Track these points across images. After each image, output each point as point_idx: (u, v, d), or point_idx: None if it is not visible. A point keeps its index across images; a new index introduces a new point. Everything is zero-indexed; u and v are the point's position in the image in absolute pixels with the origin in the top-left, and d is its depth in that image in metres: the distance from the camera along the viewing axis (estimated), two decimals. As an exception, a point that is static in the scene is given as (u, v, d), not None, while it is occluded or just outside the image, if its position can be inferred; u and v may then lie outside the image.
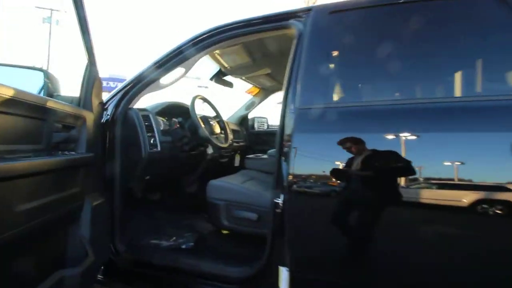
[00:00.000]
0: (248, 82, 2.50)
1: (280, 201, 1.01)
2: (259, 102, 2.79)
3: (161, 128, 1.62)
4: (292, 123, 0.99)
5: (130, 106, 1.40)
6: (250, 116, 2.93)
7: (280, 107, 1.10)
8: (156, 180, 1.63)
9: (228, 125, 1.88)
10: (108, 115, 1.30)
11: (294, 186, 0.93)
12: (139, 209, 1.57)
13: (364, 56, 1.06)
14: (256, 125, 3.13)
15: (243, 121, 2.86)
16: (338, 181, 0.92)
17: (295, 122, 0.98)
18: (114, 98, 1.35)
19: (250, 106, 2.80)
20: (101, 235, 1.15)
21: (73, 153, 0.98)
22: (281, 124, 1.08)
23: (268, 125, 3.31)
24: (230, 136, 1.85)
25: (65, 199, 0.94)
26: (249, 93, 2.78)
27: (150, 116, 1.47)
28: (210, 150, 1.91)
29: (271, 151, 1.89)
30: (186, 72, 1.44)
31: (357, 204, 0.95)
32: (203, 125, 1.51)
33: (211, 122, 1.67)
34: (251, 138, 2.86)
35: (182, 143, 1.60)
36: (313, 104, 1.00)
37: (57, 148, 0.95)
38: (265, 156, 1.91)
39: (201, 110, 1.66)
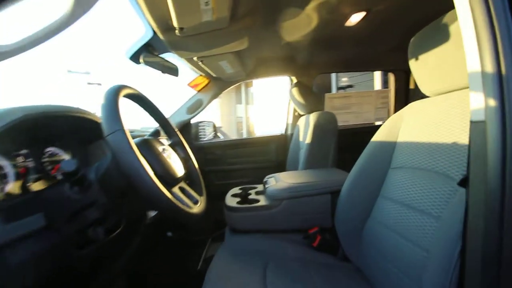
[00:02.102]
0: (195, 69, 1.52)
1: None
2: (209, 102, 1.84)
3: None
4: None
5: None
6: (192, 121, 1.94)
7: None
8: None
9: (190, 152, 0.90)
10: None
11: None
12: None
13: None
14: (200, 134, 2.17)
15: (184, 129, 1.85)
16: None
17: None
18: None
19: (196, 107, 1.82)
20: None
21: None
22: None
23: (216, 132, 2.40)
24: (201, 180, 0.86)
25: None
26: (192, 86, 1.80)
27: None
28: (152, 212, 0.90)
29: (274, 188, 1.02)
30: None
31: None
32: (148, 169, 0.53)
33: (158, 148, 0.67)
34: (199, 154, 1.89)
35: (80, 227, 0.56)
36: None
37: None
38: (261, 202, 1.03)
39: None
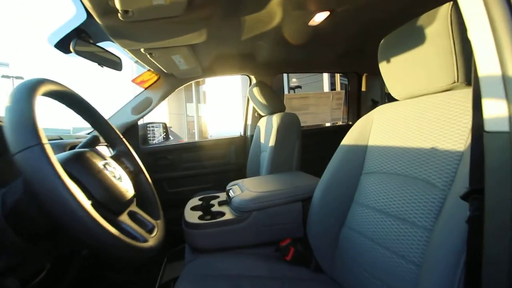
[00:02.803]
0: (142, 63, 1.32)
1: None
2: (159, 101, 1.63)
3: None
4: None
5: None
6: (139, 122, 1.71)
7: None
8: None
9: (140, 164, 0.73)
10: None
11: None
12: None
13: None
14: (148, 136, 1.93)
15: (130, 132, 1.62)
16: None
17: None
18: None
19: (143, 106, 1.60)
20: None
21: None
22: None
23: (167, 133, 2.18)
24: (158, 203, 0.69)
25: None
26: (138, 83, 1.57)
27: None
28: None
29: (240, 199, 0.92)
30: None
31: None
32: (82, 198, 0.38)
33: (97, 163, 0.50)
34: (148, 160, 1.68)
35: None
36: None
37: None
38: (226, 215, 0.91)
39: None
